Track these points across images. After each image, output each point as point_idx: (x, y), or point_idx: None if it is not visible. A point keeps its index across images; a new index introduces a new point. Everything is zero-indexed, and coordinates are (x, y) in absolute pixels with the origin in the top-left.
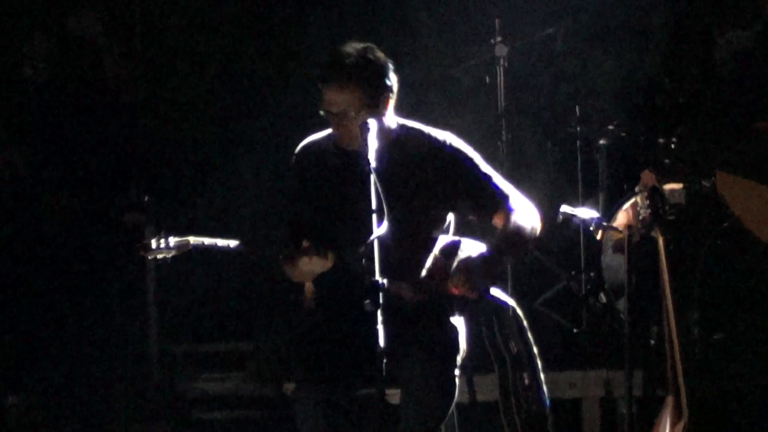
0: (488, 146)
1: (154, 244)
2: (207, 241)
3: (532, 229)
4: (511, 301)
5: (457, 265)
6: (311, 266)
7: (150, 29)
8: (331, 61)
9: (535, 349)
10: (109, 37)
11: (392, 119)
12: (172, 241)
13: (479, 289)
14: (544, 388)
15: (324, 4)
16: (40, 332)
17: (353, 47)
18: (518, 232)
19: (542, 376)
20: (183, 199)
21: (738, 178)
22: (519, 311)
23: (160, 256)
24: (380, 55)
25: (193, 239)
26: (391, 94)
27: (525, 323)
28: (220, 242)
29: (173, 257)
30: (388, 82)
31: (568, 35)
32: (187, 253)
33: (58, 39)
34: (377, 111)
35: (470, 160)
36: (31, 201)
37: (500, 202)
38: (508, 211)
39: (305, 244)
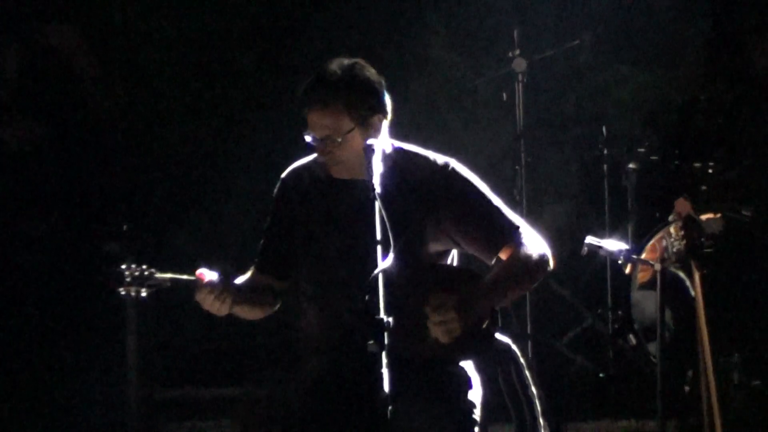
0: (505, 170)
1: (128, 275)
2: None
3: (536, 269)
4: (508, 340)
5: (431, 304)
6: (204, 303)
7: (131, 47)
8: (313, 81)
9: (536, 392)
10: (88, 54)
11: (386, 142)
12: (149, 274)
13: (454, 334)
14: None
15: (327, 11)
16: (8, 370)
17: (339, 64)
18: (518, 272)
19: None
20: (165, 228)
21: None
22: (514, 348)
23: (133, 293)
24: (370, 71)
25: (159, 275)
26: (382, 115)
27: (523, 362)
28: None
29: (150, 294)
30: (379, 102)
31: (594, 48)
32: (168, 290)
33: (32, 52)
34: (366, 135)
35: (474, 189)
36: (2, 228)
37: (506, 238)
38: (514, 247)
39: (198, 274)
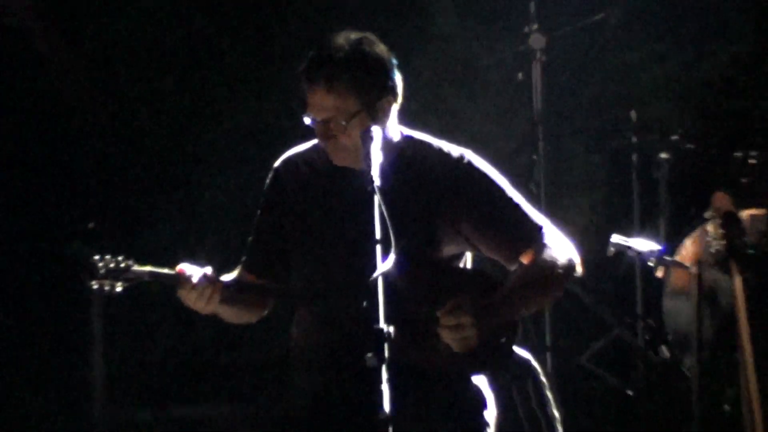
0: (521, 160)
1: (102, 267)
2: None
3: (562, 276)
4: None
5: (445, 306)
6: (188, 300)
7: (99, 25)
8: (317, 56)
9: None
10: (49, 30)
11: (394, 129)
12: (125, 266)
13: (469, 342)
14: None
15: None
16: None
17: (346, 38)
18: (542, 279)
19: None
20: (137, 226)
21: None
22: (535, 364)
23: (107, 287)
24: (380, 48)
25: (136, 268)
26: (392, 98)
27: (544, 380)
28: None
29: (125, 288)
30: (389, 83)
31: (622, 22)
32: (143, 290)
33: None
34: (374, 118)
35: (492, 184)
36: None
37: (529, 239)
38: (537, 249)
39: (179, 269)
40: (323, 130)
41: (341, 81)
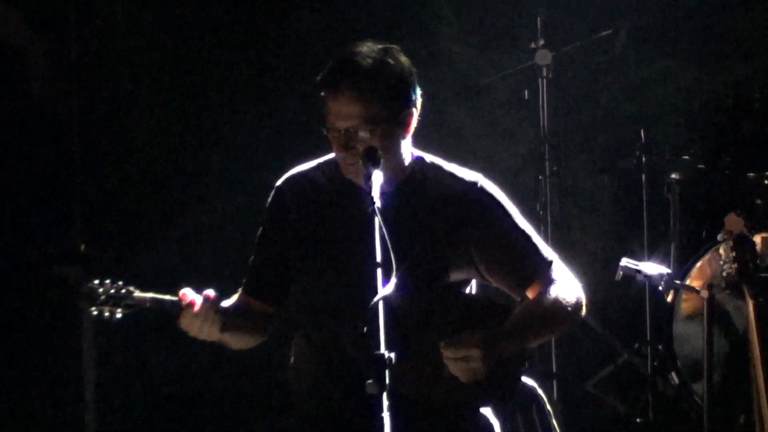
0: (527, 180)
1: (102, 293)
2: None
3: (569, 315)
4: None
5: (451, 341)
6: (191, 328)
7: (89, 28)
8: (342, 63)
9: None
10: (35, 37)
11: (408, 148)
12: (126, 292)
13: (477, 374)
14: None
15: None
16: None
17: (371, 48)
18: (550, 314)
19: None
20: (132, 249)
21: None
22: (540, 392)
23: (107, 313)
24: (404, 59)
25: (138, 294)
26: (414, 111)
27: (549, 409)
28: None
29: (124, 315)
30: (412, 95)
31: (631, 38)
32: (138, 320)
33: None
34: (396, 132)
35: (505, 213)
36: None
37: (537, 272)
38: (545, 284)
39: (182, 294)
40: (343, 139)
41: (367, 88)
